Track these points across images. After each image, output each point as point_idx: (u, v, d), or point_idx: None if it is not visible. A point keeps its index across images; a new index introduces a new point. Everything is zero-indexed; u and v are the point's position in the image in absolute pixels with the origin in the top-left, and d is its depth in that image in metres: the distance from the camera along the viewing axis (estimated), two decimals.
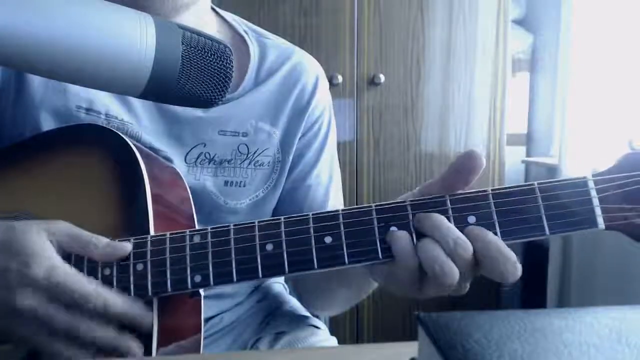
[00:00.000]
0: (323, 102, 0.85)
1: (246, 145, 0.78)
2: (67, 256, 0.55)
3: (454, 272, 0.51)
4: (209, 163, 0.76)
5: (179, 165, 0.74)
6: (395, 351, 0.48)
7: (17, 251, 0.52)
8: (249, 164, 0.78)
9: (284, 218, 0.56)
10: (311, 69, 0.84)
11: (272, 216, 0.87)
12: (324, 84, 0.85)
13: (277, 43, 0.84)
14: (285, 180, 0.83)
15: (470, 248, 0.51)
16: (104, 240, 0.56)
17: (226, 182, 0.77)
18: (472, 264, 0.52)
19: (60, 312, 0.52)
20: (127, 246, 0.56)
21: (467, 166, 0.53)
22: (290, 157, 0.82)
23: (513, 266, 0.51)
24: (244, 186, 0.79)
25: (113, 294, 0.54)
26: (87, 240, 0.56)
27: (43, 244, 0.53)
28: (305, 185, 0.84)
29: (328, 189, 0.85)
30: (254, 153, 0.78)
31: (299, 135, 0.82)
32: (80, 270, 0.55)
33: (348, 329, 1.95)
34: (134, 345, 0.55)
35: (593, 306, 0.35)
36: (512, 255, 0.51)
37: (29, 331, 0.53)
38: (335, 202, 0.86)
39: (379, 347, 0.51)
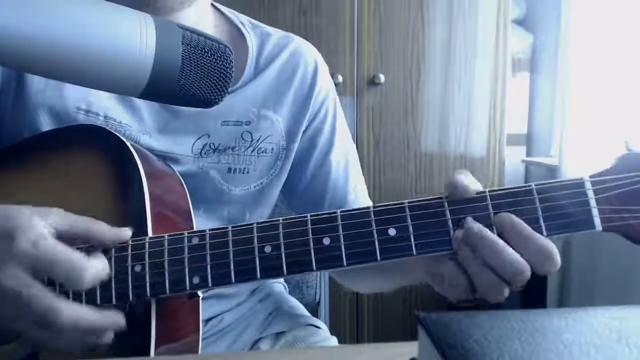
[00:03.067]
0: (325, 86, 0.85)
1: (249, 132, 0.78)
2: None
3: (507, 292, 0.52)
4: (214, 152, 0.77)
5: (184, 158, 0.75)
6: (395, 351, 0.48)
7: (4, 227, 0.51)
8: (252, 151, 0.78)
9: (282, 219, 0.56)
10: (309, 54, 0.84)
11: (294, 206, 0.88)
12: (323, 68, 0.85)
13: (274, 32, 0.84)
14: (304, 170, 0.84)
15: (528, 270, 0.51)
16: (104, 224, 0.55)
17: (229, 169, 0.78)
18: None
19: (37, 288, 0.50)
20: (128, 232, 0.56)
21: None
22: (296, 145, 0.82)
23: (556, 260, 0.52)
24: (247, 173, 0.79)
25: (101, 262, 0.53)
26: (87, 222, 0.55)
27: (31, 218, 0.51)
28: (324, 171, 0.84)
29: (347, 171, 0.86)
30: (258, 140, 0.79)
31: (305, 122, 0.82)
32: None
33: (348, 329, 1.95)
34: (118, 320, 0.54)
35: (593, 306, 0.35)
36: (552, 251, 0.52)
37: (9, 310, 0.51)
38: (357, 182, 0.87)
39: (379, 347, 0.51)
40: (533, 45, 2.26)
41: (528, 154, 2.30)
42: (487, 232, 0.52)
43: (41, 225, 0.51)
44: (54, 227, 0.53)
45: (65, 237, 0.53)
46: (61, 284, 0.51)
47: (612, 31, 1.71)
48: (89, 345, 0.53)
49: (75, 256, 0.51)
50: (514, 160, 2.18)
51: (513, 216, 0.53)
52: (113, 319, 0.54)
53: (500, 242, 0.52)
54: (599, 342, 0.30)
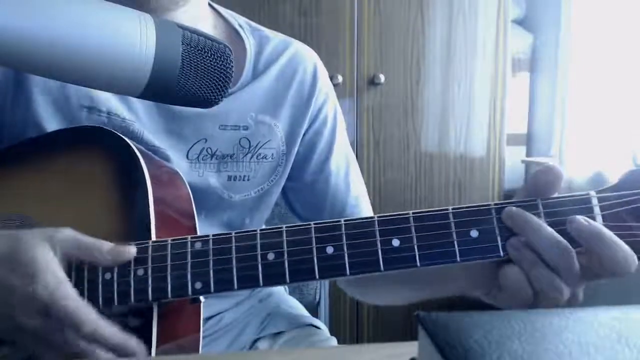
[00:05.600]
0: (325, 89, 0.84)
1: (247, 138, 0.78)
2: (69, 264, 0.55)
3: (566, 293, 0.51)
4: (212, 158, 0.76)
5: (181, 162, 0.75)
6: (395, 351, 0.48)
7: (21, 266, 0.52)
8: (252, 157, 0.78)
9: (286, 227, 0.56)
10: (308, 58, 0.84)
11: (295, 210, 0.88)
12: (322, 72, 0.85)
13: (273, 36, 0.84)
14: (303, 174, 0.83)
15: (568, 249, 0.50)
16: (107, 245, 0.56)
17: (230, 177, 0.77)
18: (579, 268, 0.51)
19: (60, 331, 0.52)
20: (132, 250, 0.56)
21: (545, 181, 0.54)
22: (296, 149, 0.82)
23: (629, 257, 0.50)
24: (248, 180, 0.79)
25: (110, 328, 0.54)
26: (91, 246, 0.55)
27: (47, 258, 0.53)
28: (324, 175, 0.84)
29: (348, 175, 0.86)
30: (256, 146, 0.78)
31: (305, 126, 0.82)
32: (82, 274, 0.55)
33: (348, 329, 1.95)
34: (137, 348, 0.55)
35: (593, 306, 0.35)
36: (621, 244, 0.50)
37: (31, 343, 0.54)
38: (357, 187, 0.86)
39: (379, 347, 0.51)
40: (533, 45, 2.26)
41: (528, 154, 2.30)
42: (530, 215, 0.52)
43: (56, 266, 0.53)
44: (62, 252, 0.54)
45: (73, 261, 0.55)
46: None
47: (612, 31, 1.71)
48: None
49: (85, 311, 0.53)
50: (514, 160, 2.18)
51: (593, 224, 0.51)
52: (133, 348, 0.55)
53: (543, 223, 0.52)
54: (599, 342, 0.30)
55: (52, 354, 0.54)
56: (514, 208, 0.53)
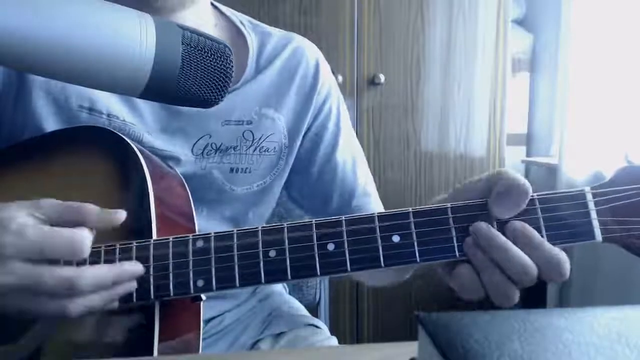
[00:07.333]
0: (327, 83, 0.85)
1: (251, 131, 0.78)
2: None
3: (517, 297, 0.53)
4: (216, 153, 0.77)
5: (186, 158, 0.75)
6: (395, 351, 0.48)
7: None
8: (254, 150, 0.79)
9: (287, 224, 0.56)
10: (310, 52, 0.84)
11: (302, 205, 0.88)
12: (325, 65, 0.85)
13: (274, 31, 0.84)
14: (310, 167, 0.84)
15: (535, 272, 0.52)
16: (95, 207, 0.54)
17: (232, 169, 0.78)
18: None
19: (44, 268, 0.50)
20: (122, 213, 0.55)
21: (512, 197, 0.54)
22: (298, 143, 0.82)
23: (564, 269, 0.52)
24: (250, 172, 0.79)
25: (86, 231, 0.52)
26: (78, 206, 0.53)
27: (13, 212, 0.51)
28: (331, 167, 0.84)
29: (355, 166, 0.86)
30: (259, 139, 0.79)
31: (308, 119, 0.82)
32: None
33: (348, 329, 1.95)
34: (135, 268, 0.54)
35: (593, 306, 0.35)
36: (563, 256, 0.52)
37: (23, 302, 0.51)
38: (364, 178, 0.86)
39: (379, 347, 0.51)
40: (533, 45, 2.26)
41: (528, 154, 2.30)
42: (495, 231, 0.53)
43: (23, 215, 0.51)
44: (45, 215, 0.52)
45: (58, 224, 0.52)
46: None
47: (612, 31, 1.71)
48: (112, 300, 0.54)
49: (63, 231, 0.51)
50: (514, 160, 2.18)
51: (525, 224, 0.53)
52: (132, 269, 0.54)
53: (508, 241, 0.52)
54: (599, 342, 0.30)
55: (55, 301, 0.51)
56: (483, 226, 0.53)
